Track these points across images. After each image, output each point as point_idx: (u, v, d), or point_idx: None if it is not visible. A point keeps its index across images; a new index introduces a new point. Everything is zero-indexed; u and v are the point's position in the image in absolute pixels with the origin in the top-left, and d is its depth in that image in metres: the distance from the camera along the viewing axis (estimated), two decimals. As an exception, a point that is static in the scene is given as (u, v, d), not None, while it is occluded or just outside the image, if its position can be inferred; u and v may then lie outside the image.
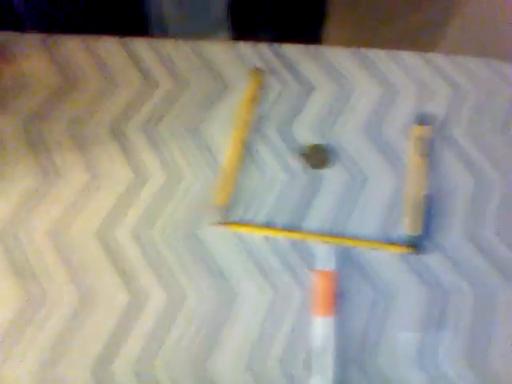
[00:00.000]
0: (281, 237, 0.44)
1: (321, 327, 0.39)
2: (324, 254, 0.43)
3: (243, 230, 0.44)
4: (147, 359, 0.38)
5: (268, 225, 0.45)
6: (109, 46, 0.54)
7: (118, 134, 0.48)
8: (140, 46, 0.54)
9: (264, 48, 0.56)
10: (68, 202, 0.44)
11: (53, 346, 0.38)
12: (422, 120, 0.51)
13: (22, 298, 0.40)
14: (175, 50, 0.55)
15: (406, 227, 0.45)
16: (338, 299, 0.41)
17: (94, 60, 0.53)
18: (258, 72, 0.53)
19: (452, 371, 0.39)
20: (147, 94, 0.51)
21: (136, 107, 0.50)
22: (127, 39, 0.55)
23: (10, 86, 0.50)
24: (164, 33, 0.69)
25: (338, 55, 0.56)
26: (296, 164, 0.48)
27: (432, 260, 0.44)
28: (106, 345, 0.39)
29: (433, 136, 0.51)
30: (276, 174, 0.47)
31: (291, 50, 0.56)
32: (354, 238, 0.45)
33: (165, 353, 0.39)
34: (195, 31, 0.66)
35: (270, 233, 0.44)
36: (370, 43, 0.59)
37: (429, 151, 0.50)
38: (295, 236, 0.44)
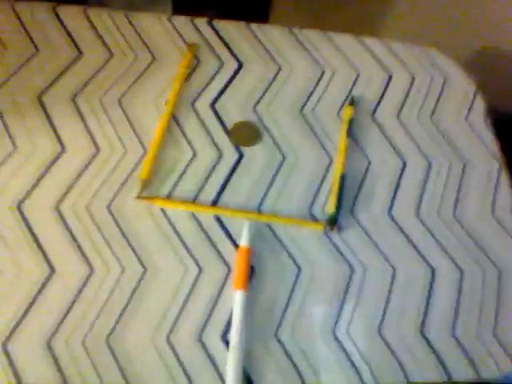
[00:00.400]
0: (204, 213, 0.44)
1: (237, 302, 0.40)
2: (244, 230, 0.43)
3: (167, 206, 0.44)
4: (62, 332, 0.38)
5: (193, 200, 0.45)
6: (38, 13, 0.52)
7: (43, 104, 0.47)
8: (73, 13, 0.53)
9: (202, 23, 0.56)
10: (-16, 172, 0.43)
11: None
12: (352, 101, 0.53)
13: None
14: (110, 19, 0.53)
15: (328, 205, 0.47)
16: (255, 274, 0.42)
17: (20, 26, 0.51)
18: (192, 47, 0.53)
19: (362, 343, 0.41)
20: (75, 63, 0.50)
21: (63, 77, 0.49)
22: (61, 6, 0.53)
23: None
24: (101, 3, 0.67)
25: (275, 34, 0.56)
26: (223, 140, 0.48)
27: (349, 236, 0.46)
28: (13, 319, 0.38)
29: (361, 117, 0.52)
30: (203, 150, 0.48)
31: (229, 27, 0.56)
32: (276, 214, 0.46)
33: (83, 326, 0.38)
34: (135, 3, 0.65)
35: (193, 209, 0.44)
36: (315, 28, 0.60)
37: (356, 132, 0.51)
38: (218, 212, 0.45)
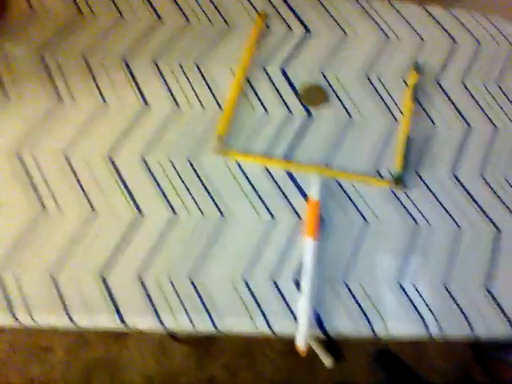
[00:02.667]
0: (276, 167, 0.47)
1: (308, 249, 0.43)
2: (314, 184, 0.46)
3: (242, 159, 0.47)
4: (151, 267, 0.42)
5: (265, 155, 0.48)
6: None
7: (128, 65, 0.51)
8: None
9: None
10: (78, 126, 0.47)
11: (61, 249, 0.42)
12: (416, 67, 0.53)
13: (31, 212, 0.43)
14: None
15: (394, 164, 0.48)
16: (324, 224, 0.45)
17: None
18: (263, 15, 0.55)
19: (428, 295, 0.43)
20: (156, 28, 0.53)
21: (145, 41, 0.52)
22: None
23: (20, 18, 0.52)
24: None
25: (341, 2, 0.58)
26: (293, 101, 0.51)
27: (415, 194, 0.47)
28: (111, 254, 0.42)
29: (426, 83, 0.53)
30: (274, 110, 0.50)
31: (297, -4, 0.58)
32: (344, 171, 0.47)
33: (168, 263, 0.42)
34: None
35: (266, 162, 0.47)
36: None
37: (421, 97, 0.52)
38: (289, 166, 0.47)
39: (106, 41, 0.52)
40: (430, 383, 1.29)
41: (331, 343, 1.34)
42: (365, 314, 0.41)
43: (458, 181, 0.48)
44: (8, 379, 1.36)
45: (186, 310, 0.40)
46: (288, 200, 0.46)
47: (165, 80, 0.50)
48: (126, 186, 0.45)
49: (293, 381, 1.36)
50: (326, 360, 1.33)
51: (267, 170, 0.47)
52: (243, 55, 0.52)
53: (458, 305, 0.43)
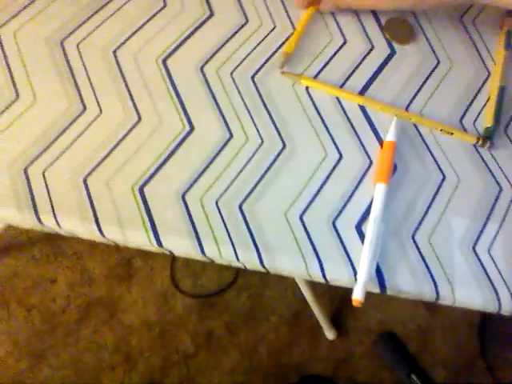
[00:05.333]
0: (349, 100, 0.41)
1: (378, 194, 0.37)
2: (392, 125, 0.40)
3: (312, 85, 0.41)
4: (197, 188, 0.37)
5: (337, 86, 0.42)
6: None
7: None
8: None
9: None
10: (134, 24, 0.41)
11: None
12: (518, 14, 0.47)
13: (65, 103, 0.38)
14: None
15: (483, 119, 0.42)
16: (397, 171, 0.39)
17: None
18: None
19: (504, 265, 0.38)
20: None
21: None
22: None
23: None
24: None
25: None
26: (375, 32, 0.45)
27: (501, 155, 0.41)
28: (153, 168, 0.37)
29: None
30: (354, 39, 0.44)
31: None
32: (424, 117, 0.42)
33: (217, 187, 0.37)
34: None
35: (338, 93, 0.41)
36: None
37: (519, 48, 0.46)
38: (365, 102, 0.41)
39: None
40: (428, 375, 1.27)
41: (336, 317, 1.32)
42: (431, 275, 0.36)
43: (550, 148, 0.42)
44: (7, 305, 1.35)
45: (231, 239, 0.35)
46: (359, 138, 0.40)
47: (235, -14, 0.44)
48: (178, 96, 0.39)
49: (291, 350, 1.34)
50: (329, 332, 1.31)
51: (339, 102, 0.41)
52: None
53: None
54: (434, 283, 0.36)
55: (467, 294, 0.36)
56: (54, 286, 1.35)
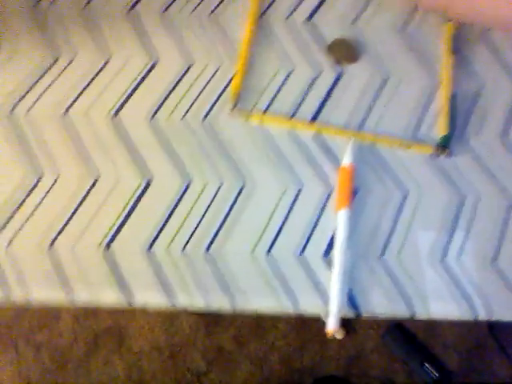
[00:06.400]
0: (303, 129, 0.42)
1: (341, 219, 0.38)
2: (348, 148, 0.40)
3: (264, 121, 0.42)
4: (162, 239, 0.37)
5: (291, 116, 0.42)
6: None
7: (133, 17, 0.45)
8: None
9: None
10: (80, 84, 0.42)
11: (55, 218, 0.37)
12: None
13: (21, 171, 0.38)
14: None
15: (437, 128, 0.43)
16: (358, 194, 0.40)
17: None
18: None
19: (474, 273, 0.38)
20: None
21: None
22: None
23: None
24: None
25: None
26: (320, 56, 0.45)
27: (460, 161, 0.42)
28: (117, 224, 0.37)
29: (467, 34, 0.47)
30: (301, 65, 0.44)
31: None
32: (379, 135, 0.42)
33: (182, 235, 0.38)
34: None
35: (291, 125, 0.42)
36: None
37: (461, 49, 0.46)
38: (317, 129, 0.42)
39: (111, -17, 0.46)
40: (440, 361, 1.27)
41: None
42: (403, 293, 0.37)
43: (509, 146, 0.43)
44: (15, 345, 1.36)
45: (202, 286, 0.36)
46: (317, 166, 0.41)
47: (177, 32, 0.44)
48: (133, 149, 0.40)
49: (303, 353, 1.34)
50: (337, 332, 1.31)
51: (292, 132, 0.42)
52: (252, 1, 0.46)
53: (508, 284, 0.38)
54: (408, 301, 0.37)
55: (441, 307, 0.37)
56: (59, 321, 1.36)
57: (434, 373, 1.25)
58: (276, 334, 1.35)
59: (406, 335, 1.31)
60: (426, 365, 1.26)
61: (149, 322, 1.37)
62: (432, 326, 1.32)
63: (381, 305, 0.37)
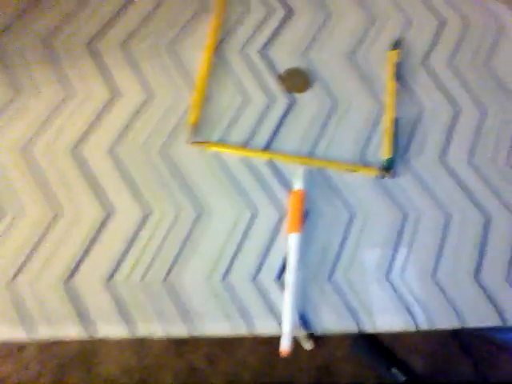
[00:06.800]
0: (256, 157, 0.44)
1: (292, 243, 0.40)
2: (297, 174, 0.43)
3: (219, 150, 0.44)
4: (121, 270, 0.39)
5: (245, 145, 0.45)
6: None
7: (92, 51, 0.46)
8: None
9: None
10: (40, 119, 0.43)
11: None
12: (398, 45, 0.51)
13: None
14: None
15: (381, 151, 0.46)
16: (308, 217, 0.42)
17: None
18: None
19: (416, 287, 0.41)
20: (123, 10, 0.49)
21: (113, 23, 0.48)
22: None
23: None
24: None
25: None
26: (273, 86, 0.48)
27: (403, 182, 0.45)
28: (77, 258, 0.39)
29: (411, 62, 0.51)
30: (254, 95, 0.47)
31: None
32: (328, 160, 0.45)
33: (141, 265, 0.39)
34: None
35: (245, 153, 0.44)
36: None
37: (404, 76, 0.50)
38: (271, 156, 0.44)
39: (69, 24, 0.47)
40: (406, 365, 1.31)
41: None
42: (351, 309, 0.40)
43: (447, 166, 0.46)
44: (-21, 380, 1.31)
45: (161, 315, 0.37)
46: (270, 192, 0.43)
47: (136, 66, 0.46)
48: (93, 182, 0.41)
49: (273, 368, 1.35)
50: (306, 343, 1.33)
51: (247, 160, 0.44)
52: (209, 34, 0.48)
53: (446, 295, 0.41)
54: (356, 316, 0.39)
55: (386, 320, 0.40)
56: (24, 351, 1.32)
57: (402, 376, 1.29)
58: (245, 350, 1.36)
59: (373, 343, 1.35)
60: (393, 369, 1.30)
61: (118, 344, 1.35)
62: (396, 332, 1.36)
63: (331, 321, 0.39)
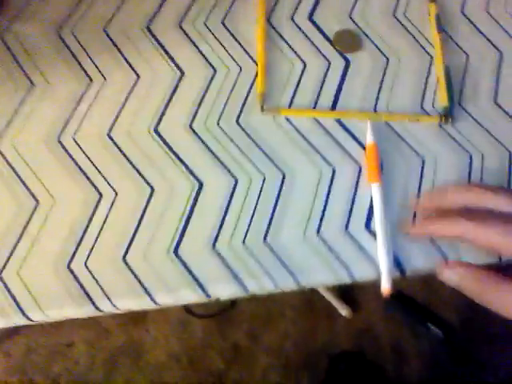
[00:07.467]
0: (326, 117, 0.46)
1: (374, 193, 0.43)
2: (368, 129, 0.45)
3: (291, 114, 0.46)
4: (223, 234, 0.41)
5: (313, 107, 0.47)
6: None
7: (151, 32, 0.48)
8: None
9: None
10: (115, 104, 0.45)
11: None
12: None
13: (82, 194, 0.41)
14: None
15: (438, 99, 0.48)
16: (383, 168, 0.45)
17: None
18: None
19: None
20: (171, -8, 0.50)
21: (163, 6, 0.49)
22: None
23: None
24: None
25: None
26: (327, 49, 0.49)
27: (463, 126, 0.47)
28: (179, 230, 0.41)
29: (448, 12, 0.52)
30: (311, 60, 0.49)
31: None
32: (391, 113, 0.47)
33: (240, 229, 0.41)
34: None
35: (314, 114, 0.46)
36: None
37: (445, 26, 0.52)
38: (338, 115, 0.46)
39: (122, 12, 0.49)
40: (443, 320, 1.34)
41: (346, 294, 1.38)
42: (439, 249, 0.42)
43: (501, 108, 0.49)
44: (31, 381, 1.34)
45: (266, 272, 0.40)
46: (343, 148, 0.45)
47: (194, 44, 0.48)
48: (178, 158, 0.43)
49: (314, 336, 1.39)
50: (343, 310, 1.37)
51: (318, 121, 0.46)
52: (257, 6, 0.50)
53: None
54: (444, 256, 0.42)
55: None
56: (73, 348, 1.36)
57: (439, 331, 1.32)
58: (286, 322, 1.40)
59: (406, 301, 1.38)
60: (430, 325, 1.33)
61: (162, 332, 1.39)
62: (428, 284, 1.39)
63: (420, 262, 0.42)
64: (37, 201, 0.40)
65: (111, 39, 0.47)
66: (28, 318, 0.37)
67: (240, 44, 0.48)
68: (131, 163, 0.42)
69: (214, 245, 0.40)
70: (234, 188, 0.42)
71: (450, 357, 1.36)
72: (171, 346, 1.34)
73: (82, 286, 0.38)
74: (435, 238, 0.42)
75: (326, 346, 1.36)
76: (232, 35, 0.49)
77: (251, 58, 0.48)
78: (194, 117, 0.45)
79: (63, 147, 0.42)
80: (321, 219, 0.42)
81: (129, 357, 1.33)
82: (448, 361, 1.36)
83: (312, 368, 1.33)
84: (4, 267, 0.38)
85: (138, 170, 0.42)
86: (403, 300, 1.29)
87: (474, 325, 1.38)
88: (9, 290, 0.37)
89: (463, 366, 1.36)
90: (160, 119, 0.44)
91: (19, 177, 0.41)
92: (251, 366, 1.34)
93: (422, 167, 0.45)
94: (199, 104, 0.45)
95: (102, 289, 0.38)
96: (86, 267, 0.38)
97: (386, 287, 0.40)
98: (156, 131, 0.44)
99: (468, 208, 0.39)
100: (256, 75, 0.47)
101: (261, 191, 0.42)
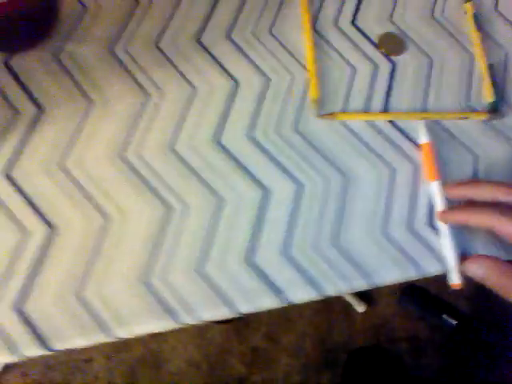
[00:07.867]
0: (379, 120, 0.47)
1: (435, 190, 0.44)
2: (419, 129, 0.46)
3: (346, 118, 0.47)
4: (295, 240, 0.42)
5: (365, 111, 0.48)
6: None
7: (202, 45, 0.48)
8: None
9: None
10: (175, 116, 0.45)
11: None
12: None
13: (156, 213, 0.41)
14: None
15: (483, 95, 0.50)
16: (440, 164, 0.46)
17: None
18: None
19: None
20: (215, 5, 0.51)
21: (210, 18, 0.50)
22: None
23: (75, 17, 0.48)
24: None
25: None
26: (372, 53, 0.51)
27: (510, 121, 0.49)
28: (250, 238, 0.41)
29: (484, 10, 0.54)
30: (360, 65, 0.50)
31: None
32: (440, 111, 0.48)
33: (310, 232, 0.42)
34: None
35: (369, 117, 0.47)
36: None
37: (482, 24, 0.53)
38: (391, 117, 0.47)
39: (171, 25, 0.49)
40: (456, 309, 1.37)
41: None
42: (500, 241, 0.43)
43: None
44: (51, 398, 1.33)
45: (341, 274, 0.41)
46: (399, 149, 0.46)
47: (244, 54, 0.49)
48: (243, 167, 0.44)
49: (332, 333, 1.40)
50: (359, 306, 1.39)
51: (372, 124, 0.47)
52: (302, 14, 0.51)
53: None
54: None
55: None
56: (92, 363, 1.34)
57: (453, 321, 1.34)
58: (304, 322, 1.41)
59: (419, 293, 1.40)
60: (444, 315, 1.36)
61: (180, 340, 1.38)
62: (442, 280, 1.42)
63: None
64: (107, 218, 0.40)
65: (164, 53, 0.47)
66: (114, 336, 0.37)
67: (289, 51, 0.49)
68: (197, 175, 0.43)
69: (285, 250, 0.41)
70: (300, 193, 0.43)
71: (464, 346, 1.39)
72: (190, 354, 1.34)
73: (165, 300, 0.38)
74: (462, 225, 0.42)
75: (344, 343, 1.37)
76: (280, 43, 0.49)
77: (301, 65, 0.49)
78: (254, 126, 0.45)
79: (127, 161, 0.42)
80: (385, 219, 0.43)
81: (148, 367, 1.32)
82: (463, 349, 1.39)
83: (332, 365, 1.35)
84: (83, 286, 0.38)
85: (206, 182, 0.43)
86: (416, 292, 1.29)
87: (485, 314, 1.40)
88: (90, 309, 0.38)
89: (478, 355, 1.39)
90: (221, 130, 0.45)
91: (87, 194, 0.41)
92: (272, 368, 1.34)
93: (475, 163, 0.47)
94: (257, 113, 0.46)
95: (185, 301, 0.38)
96: (165, 280, 0.39)
97: (456, 282, 0.41)
98: (218, 142, 0.44)
99: (499, 202, 0.39)
100: (307, 82, 0.48)
101: (325, 195, 0.43)
